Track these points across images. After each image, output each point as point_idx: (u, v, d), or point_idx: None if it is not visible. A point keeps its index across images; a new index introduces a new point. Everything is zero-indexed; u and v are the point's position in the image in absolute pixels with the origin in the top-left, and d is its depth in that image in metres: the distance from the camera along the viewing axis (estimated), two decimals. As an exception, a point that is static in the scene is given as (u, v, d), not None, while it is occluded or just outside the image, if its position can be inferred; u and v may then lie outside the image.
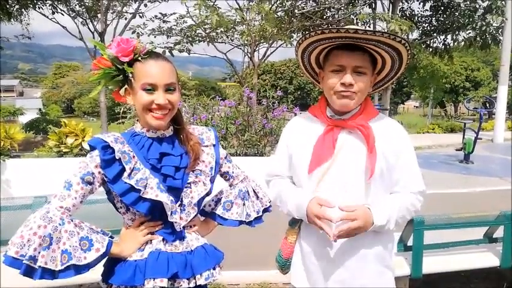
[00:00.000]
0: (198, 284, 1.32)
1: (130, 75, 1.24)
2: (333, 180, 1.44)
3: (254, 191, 1.56)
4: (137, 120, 1.34)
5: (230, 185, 1.55)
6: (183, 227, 1.33)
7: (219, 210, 1.49)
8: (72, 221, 1.18)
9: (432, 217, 2.58)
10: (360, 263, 1.46)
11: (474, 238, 2.83)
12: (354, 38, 1.36)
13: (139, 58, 1.24)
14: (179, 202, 1.30)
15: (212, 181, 1.39)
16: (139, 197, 1.21)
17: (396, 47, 1.38)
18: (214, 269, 1.37)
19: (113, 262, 1.29)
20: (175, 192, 1.29)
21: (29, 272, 1.10)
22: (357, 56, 1.40)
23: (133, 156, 1.24)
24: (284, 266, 1.64)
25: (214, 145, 1.42)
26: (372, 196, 1.44)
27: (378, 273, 1.49)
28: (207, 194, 1.38)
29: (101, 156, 1.20)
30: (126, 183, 1.20)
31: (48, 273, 1.12)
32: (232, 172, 1.53)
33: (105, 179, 1.23)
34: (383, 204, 1.44)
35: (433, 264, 2.71)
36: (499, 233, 2.78)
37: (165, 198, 1.23)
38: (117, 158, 1.21)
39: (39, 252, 1.10)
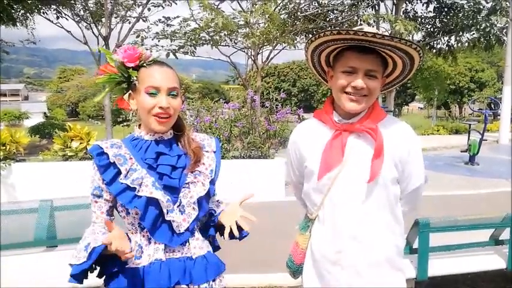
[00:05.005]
0: None
1: (135, 78, 1.29)
2: (343, 186, 1.42)
3: None
4: (138, 126, 1.37)
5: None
6: (186, 229, 1.32)
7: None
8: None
9: (438, 219, 2.56)
10: (373, 267, 1.44)
11: (480, 240, 2.81)
12: (371, 42, 1.34)
13: (145, 64, 1.30)
14: (178, 202, 1.31)
15: (213, 183, 1.40)
16: (135, 195, 1.25)
17: (410, 53, 1.37)
18: (214, 280, 1.38)
19: (113, 267, 1.29)
20: (173, 191, 1.31)
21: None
22: (369, 59, 1.38)
23: (131, 158, 1.29)
24: (296, 271, 1.64)
25: (214, 152, 1.45)
26: (383, 201, 1.43)
27: (389, 276, 1.48)
28: (208, 196, 1.38)
29: (96, 163, 1.27)
30: (122, 183, 1.25)
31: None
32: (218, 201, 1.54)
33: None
34: None
35: (439, 266, 2.69)
36: (505, 235, 2.76)
37: (159, 195, 1.25)
38: (111, 161, 1.26)
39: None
